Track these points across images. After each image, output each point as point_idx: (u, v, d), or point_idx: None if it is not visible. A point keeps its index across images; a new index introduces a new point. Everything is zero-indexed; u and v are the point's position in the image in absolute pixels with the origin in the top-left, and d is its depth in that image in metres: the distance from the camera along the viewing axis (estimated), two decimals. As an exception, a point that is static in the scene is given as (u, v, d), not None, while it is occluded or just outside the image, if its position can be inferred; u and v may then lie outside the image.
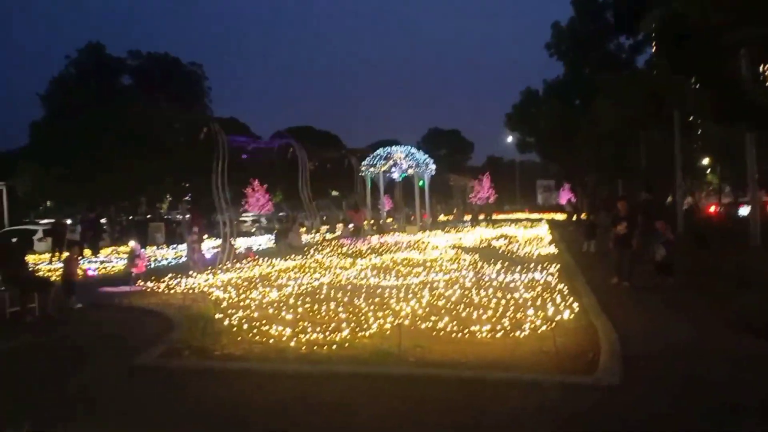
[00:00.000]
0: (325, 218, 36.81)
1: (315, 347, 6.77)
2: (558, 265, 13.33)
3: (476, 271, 12.62)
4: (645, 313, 8.47)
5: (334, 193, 49.90)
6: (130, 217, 31.30)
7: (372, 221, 30.52)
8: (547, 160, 46.97)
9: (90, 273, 14.39)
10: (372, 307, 8.79)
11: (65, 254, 14.88)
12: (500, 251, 17.84)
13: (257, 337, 7.27)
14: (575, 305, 8.55)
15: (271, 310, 8.86)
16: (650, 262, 10.61)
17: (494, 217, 41.95)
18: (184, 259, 17.26)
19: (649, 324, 7.79)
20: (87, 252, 21.85)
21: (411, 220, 33.45)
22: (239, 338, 7.28)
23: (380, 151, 34.07)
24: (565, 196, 57.25)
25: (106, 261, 18.84)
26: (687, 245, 15.69)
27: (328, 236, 27.91)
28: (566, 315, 7.89)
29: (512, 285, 10.66)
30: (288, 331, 7.42)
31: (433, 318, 7.87)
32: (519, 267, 13.00)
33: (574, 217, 36.08)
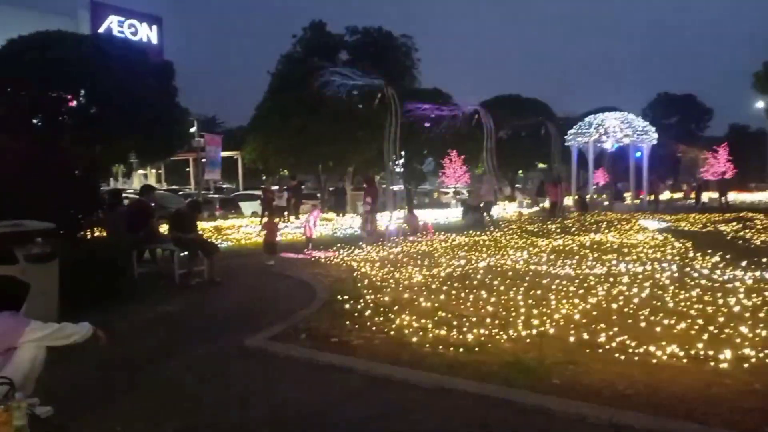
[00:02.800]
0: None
1: (440, 347, 5.58)
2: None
3: (683, 264, 10.05)
4: None
5: (541, 165, 46.82)
6: (332, 187, 32.82)
7: (576, 197, 27.62)
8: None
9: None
10: (529, 302, 7.24)
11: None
12: (728, 238, 14.39)
13: (383, 326, 6.33)
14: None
15: (410, 295, 7.83)
16: None
17: (731, 195, 35.25)
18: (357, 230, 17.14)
19: None
20: (290, 217, 23.37)
21: (622, 198, 29.61)
22: (366, 324, 6.42)
23: (590, 117, 30.59)
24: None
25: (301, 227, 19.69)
26: None
27: (525, 211, 25.99)
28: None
29: (729, 286, 8.11)
30: (417, 322, 6.35)
31: (602, 324, 6.09)
32: (746, 261, 10.06)
33: None
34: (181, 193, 31.05)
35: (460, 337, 5.85)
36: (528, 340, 5.69)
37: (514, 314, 6.65)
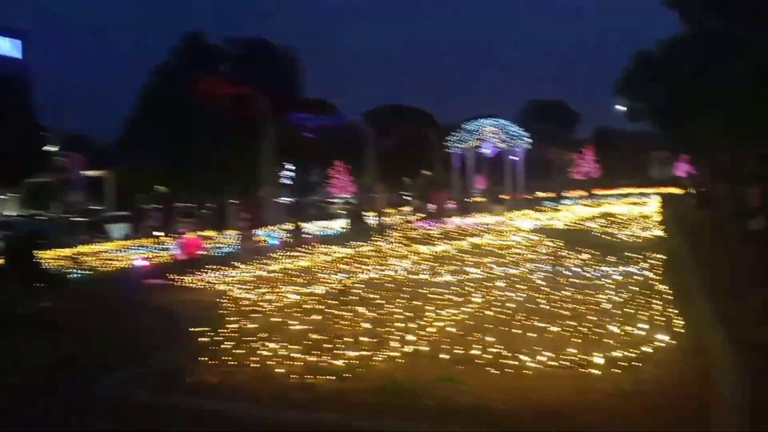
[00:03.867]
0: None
1: (309, 376, 5.04)
2: (665, 255, 10.66)
3: (556, 264, 10.28)
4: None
5: (426, 172, 47.91)
6: (212, 203, 31.28)
7: (455, 202, 28.28)
8: (664, 129, 41.91)
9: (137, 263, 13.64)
10: (407, 314, 6.90)
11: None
12: (594, 235, 15.15)
13: (246, 358, 5.66)
14: (681, 317, 6.17)
15: (282, 318, 7.22)
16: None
17: (595, 193, 37.96)
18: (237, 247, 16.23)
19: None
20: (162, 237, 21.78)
21: (500, 201, 30.81)
22: (225, 358, 5.71)
23: (468, 125, 31.62)
24: (683, 169, 51.29)
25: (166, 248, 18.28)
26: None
27: (412, 218, 26.14)
28: (667, 332, 5.59)
29: (599, 283, 8.30)
30: (285, 350, 5.77)
31: (478, 334, 5.85)
32: (614, 257, 10.49)
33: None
34: (39, 217, 28.07)
35: (332, 362, 5.35)
36: (402, 360, 5.30)
37: (390, 330, 6.27)
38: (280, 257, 13.34)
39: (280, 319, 7.11)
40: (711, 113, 23.43)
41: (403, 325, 6.43)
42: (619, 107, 45.90)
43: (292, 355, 5.60)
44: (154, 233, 20.88)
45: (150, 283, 11.00)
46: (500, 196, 30.67)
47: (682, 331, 5.71)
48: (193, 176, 30.49)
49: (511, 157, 32.87)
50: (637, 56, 36.81)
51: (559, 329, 5.92)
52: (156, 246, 18.30)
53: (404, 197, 43.83)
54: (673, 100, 29.42)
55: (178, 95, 36.57)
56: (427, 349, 5.54)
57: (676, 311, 6.40)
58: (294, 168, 39.45)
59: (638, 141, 68.14)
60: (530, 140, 31.27)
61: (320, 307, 7.65)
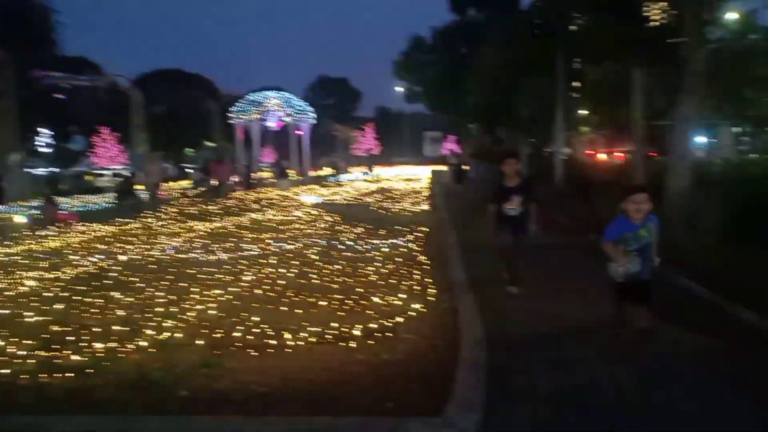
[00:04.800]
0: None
1: (43, 375, 4.33)
2: (430, 227, 11.57)
3: (332, 237, 10.50)
4: (531, 288, 6.60)
5: (209, 143, 45.67)
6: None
7: (239, 176, 27.46)
8: (434, 110, 45.68)
9: None
10: (169, 298, 6.39)
11: None
12: (371, 209, 15.88)
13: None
14: (440, 283, 6.69)
15: (15, 309, 6.17)
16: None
17: (376, 169, 40.10)
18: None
19: (535, 305, 5.91)
20: None
21: (286, 175, 30.75)
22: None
23: (252, 95, 30.74)
24: (449, 148, 56.61)
25: None
26: (569, 198, 14.61)
27: (191, 193, 24.69)
28: (426, 299, 5.99)
29: (368, 256, 8.65)
30: (14, 347, 4.90)
31: (244, 314, 5.64)
32: (384, 231, 11.05)
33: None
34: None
35: (73, 357, 4.68)
36: (154, 350, 4.86)
37: (148, 317, 5.73)
38: (25, 237, 11.54)
39: (11, 311, 6.07)
40: (467, 98, 26.15)
41: (163, 310, 5.93)
42: (398, 89, 48.93)
43: (20, 352, 4.79)
44: None
45: None
46: (286, 170, 30.55)
47: (434, 299, 6.15)
48: None
49: (296, 131, 32.91)
50: (413, 41, 39.45)
51: (327, 304, 5.99)
52: None
53: (186, 170, 41.35)
54: (440, 84, 32.20)
55: None
56: (185, 335, 5.17)
57: (431, 280, 6.91)
58: (53, 134, 34.54)
59: (415, 120, 73.64)
60: (315, 115, 31.57)
61: (66, 294, 6.71)
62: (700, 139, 35.08)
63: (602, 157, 30.63)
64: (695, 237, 7.07)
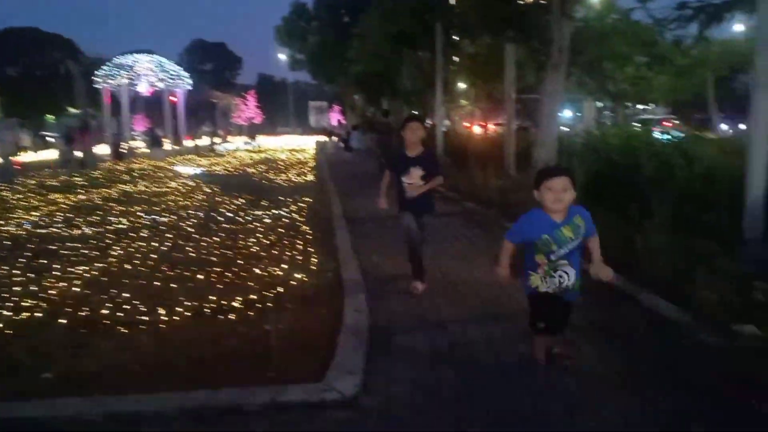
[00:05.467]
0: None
1: None
2: (314, 197, 11.49)
3: (210, 209, 10.11)
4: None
5: (73, 109, 41.84)
6: None
7: (108, 145, 25.56)
8: (318, 78, 45.02)
9: None
10: (28, 276, 5.84)
11: None
12: (253, 180, 15.48)
13: None
14: (323, 252, 6.69)
15: None
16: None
17: (260, 139, 39.03)
18: None
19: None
20: None
21: (160, 144, 29.04)
22: None
23: (120, 58, 28.50)
24: (335, 118, 56.35)
25: None
26: (448, 168, 15.09)
27: (53, 164, 22.56)
28: (309, 269, 5.97)
29: (250, 228, 8.44)
30: None
31: (113, 291, 5.28)
32: (267, 201, 10.83)
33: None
34: None
35: None
36: (13, 330, 4.44)
37: (4, 296, 5.20)
38: None
39: None
40: (351, 68, 26.05)
41: (20, 289, 5.42)
42: (281, 56, 47.61)
43: None
44: None
45: None
46: (160, 139, 28.84)
47: (318, 269, 6.14)
48: None
49: (170, 98, 31.06)
50: (294, 7, 38.38)
51: (204, 277, 5.78)
52: None
53: (46, 138, 37.68)
54: (324, 53, 31.73)
55: None
56: (47, 314, 4.76)
57: (315, 250, 6.90)
58: None
59: (299, 89, 72.36)
60: (191, 81, 29.96)
61: None
62: (568, 113, 37.81)
63: (478, 129, 32.03)
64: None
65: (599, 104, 36.18)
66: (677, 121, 25.22)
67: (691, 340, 3.89)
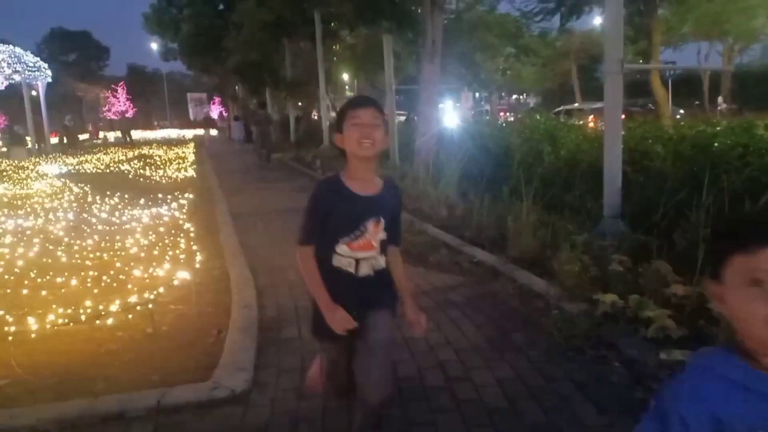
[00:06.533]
0: None
1: None
2: (197, 193, 11.10)
3: (82, 210, 9.47)
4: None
5: None
6: None
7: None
8: (194, 69, 43.14)
9: None
10: None
11: None
12: (128, 178, 14.65)
13: None
14: (208, 249, 6.52)
15: None
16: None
17: (135, 134, 36.80)
18: None
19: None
20: None
21: (22, 142, 26.54)
22: None
23: (-34, 50, 25.53)
24: (216, 110, 54.41)
25: None
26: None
27: None
28: (193, 267, 5.79)
29: (128, 228, 8.02)
30: None
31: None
32: (145, 200, 10.32)
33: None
34: None
35: None
36: None
37: None
38: None
39: None
40: (229, 58, 25.29)
41: None
42: (153, 45, 45.03)
43: None
44: None
45: None
46: (23, 136, 26.33)
47: (203, 267, 6.00)
48: None
49: (32, 92, 28.38)
50: (164, -8, 36.37)
51: (78, 282, 5.44)
52: None
53: None
54: (198, 42, 30.47)
55: None
56: None
57: (199, 247, 6.71)
58: None
59: (175, 80, 68.92)
60: (50, 73, 27.55)
61: None
62: (447, 103, 39.23)
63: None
64: (438, 190, 7.98)
65: (476, 95, 37.98)
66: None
67: (558, 310, 4.28)
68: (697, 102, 30.66)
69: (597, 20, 22.35)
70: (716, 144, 5.64)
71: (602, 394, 3.16)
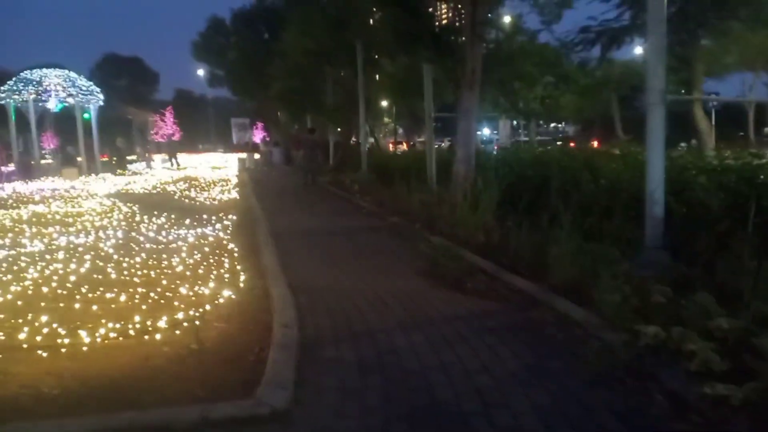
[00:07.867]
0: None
1: None
2: (239, 215, 11.39)
3: (130, 229, 9.83)
4: (341, 267, 6.99)
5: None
6: None
7: (16, 163, 24.10)
8: (238, 95, 44.40)
9: None
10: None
11: None
12: (174, 199, 15.12)
13: None
14: (251, 269, 6.69)
15: None
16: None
17: (181, 157, 37.92)
18: None
19: (344, 282, 6.28)
20: None
21: (73, 162, 27.67)
22: None
23: (27, 73, 26.94)
24: (259, 135, 55.66)
25: None
26: (373, 184, 15.40)
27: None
28: (237, 286, 5.96)
29: (173, 247, 8.29)
30: None
31: (29, 315, 5.08)
32: (190, 220, 10.64)
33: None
34: None
35: None
36: None
37: None
38: None
39: None
40: (272, 84, 25.98)
41: None
42: (200, 72, 46.62)
43: None
44: None
45: None
46: (74, 157, 27.46)
47: (245, 286, 6.15)
48: None
49: (84, 114, 29.70)
50: (211, 22, 37.83)
51: (127, 298, 5.66)
52: None
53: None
54: (243, 69, 31.47)
55: None
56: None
57: (242, 267, 6.89)
58: None
59: (220, 105, 70.88)
60: (102, 97, 28.76)
61: None
62: (485, 131, 39.26)
63: (402, 146, 32.78)
64: (477, 216, 8.01)
65: (515, 122, 37.90)
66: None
67: (598, 339, 4.25)
68: (741, 133, 29.91)
69: (638, 50, 22.13)
70: (762, 176, 5.54)
71: (642, 425, 3.13)
